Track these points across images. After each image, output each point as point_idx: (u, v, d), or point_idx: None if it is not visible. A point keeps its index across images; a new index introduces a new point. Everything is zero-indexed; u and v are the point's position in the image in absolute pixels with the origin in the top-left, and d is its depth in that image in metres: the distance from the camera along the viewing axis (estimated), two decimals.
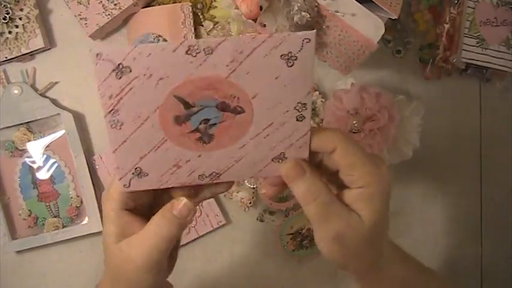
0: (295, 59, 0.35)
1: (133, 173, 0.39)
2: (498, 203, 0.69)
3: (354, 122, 0.58)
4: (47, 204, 0.63)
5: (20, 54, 0.60)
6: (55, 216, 0.62)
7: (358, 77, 0.63)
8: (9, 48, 0.60)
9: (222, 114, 0.37)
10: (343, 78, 0.63)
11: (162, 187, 0.39)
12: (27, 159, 0.62)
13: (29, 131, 0.62)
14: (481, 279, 0.69)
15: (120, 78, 0.35)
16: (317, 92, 0.63)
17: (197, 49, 0.34)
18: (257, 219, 0.65)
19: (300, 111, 0.37)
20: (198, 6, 0.61)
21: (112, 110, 0.36)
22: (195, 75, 0.35)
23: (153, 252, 0.40)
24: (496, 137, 0.69)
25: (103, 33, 0.61)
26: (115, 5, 0.58)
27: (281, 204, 0.63)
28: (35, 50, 0.61)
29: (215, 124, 0.37)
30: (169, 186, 0.39)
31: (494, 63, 0.63)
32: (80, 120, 0.62)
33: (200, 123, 0.37)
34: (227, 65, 0.35)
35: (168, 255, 0.43)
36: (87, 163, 0.62)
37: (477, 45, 0.62)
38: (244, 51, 0.34)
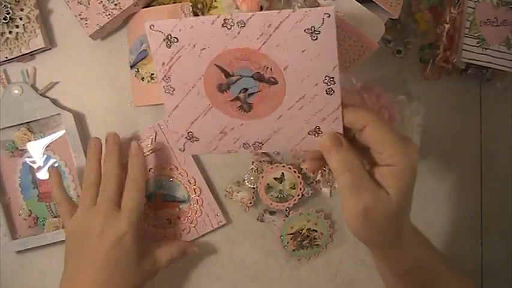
0: (319, 33, 0.38)
1: (186, 137, 0.44)
2: (498, 203, 0.69)
3: None
4: (47, 204, 0.62)
5: (20, 54, 0.60)
6: (55, 216, 0.62)
7: (359, 77, 0.63)
8: (10, 48, 0.60)
9: (259, 84, 0.41)
10: (344, 78, 0.63)
11: (213, 153, 0.45)
12: (27, 159, 0.62)
13: (30, 131, 0.62)
14: (481, 279, 0.69)
15: (170, 47, 0.40)
16: None
17: (231, 22, 0.38)
18: (257, 219, 0.65)
19: (328, 85, 0.40)
20: (199, 6, 0.61)
21: (165, 76, 0.41)
22: (232, 46, 0.39)
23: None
24: (496, 137, 0.69)
25: (103, 33, 0.61)
26: (115, 5, 0.58)
27: (281, 204, 0.63)
28: (35, 50, 0.61)
29: (253, 94, 0.41)
30: (219, 153, 0.45)
31: (495, 63, 0.63)
32: (80, 120, 0.62)
33: (240, 92, 0.41)
34: (258, 38, 0.39)
35: None
36: None
37: (477, 45, 0.62)
38: (272, 24, 0.38)
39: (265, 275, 0.66)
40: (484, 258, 0.69)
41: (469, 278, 0.53)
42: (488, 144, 0.68)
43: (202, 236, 0.63)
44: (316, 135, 0.42)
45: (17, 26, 0.59)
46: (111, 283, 0.52)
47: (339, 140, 0.42)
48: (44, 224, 0.62)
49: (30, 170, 0.62)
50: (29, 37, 0.60)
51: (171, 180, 0.61)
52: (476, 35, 0.62)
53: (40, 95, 0.61)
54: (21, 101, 0.61)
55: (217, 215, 0.63)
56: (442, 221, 0.68)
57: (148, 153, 0.60)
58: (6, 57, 0.60)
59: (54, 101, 0.61)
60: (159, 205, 0.62)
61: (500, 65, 0.63)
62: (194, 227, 0.62)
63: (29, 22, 0.59)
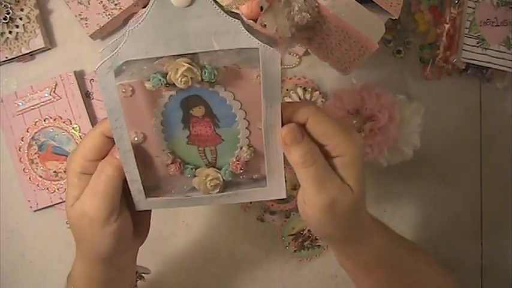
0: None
1: None
2: (498, 203, 0.69)
3: (354, 122, 0.58)
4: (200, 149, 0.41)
5: (20, 54, 0.60)
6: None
7: (359, 77, 0.63)
8: (10, 48, 0.60)
9: None
10: (344, 78, 0.63)
11: None
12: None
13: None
14: (481, 279, 0.69)
15: None
16: (317, 92, 0.63)
17: None
18: (257, 219, 0.65)
19: None
20: None
21: None
22: None
23: (102, 200, 0.39)
24: (496, 137, 0.69)
25: (103, 33, 0.61)
26: (115, 5, 0.58)
27: (283, 205, 0.63)
28: (35, 50, 0.61)
29: None
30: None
31: (495, 63, 0.63)
32: None
33: None
34: None
35: (139, 221, 0.43)
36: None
37: (477, 45, 0.62)
38: None
39: (265, 275, 0.66)
40: (484, 258, 0.69)
41: (448, 271, 0.54)
42: (488, 144, 0.68)
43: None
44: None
45: (17, 26, 0.59)
46: None
47: (299, 133, 0.38)
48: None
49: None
50: (29, 37, 0.60)
51: (63, 134, 0.61)
52: (476, 35, 0.62)
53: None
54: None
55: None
56: (442, 221, 0.68)
57: (43, 103, 0.60)
58: (6, 57, 0.60)
59: None
60: (48, 156, 0.62)
61: (500, 65, 0.63)
62: None
63: (29, 22, 0.59)
